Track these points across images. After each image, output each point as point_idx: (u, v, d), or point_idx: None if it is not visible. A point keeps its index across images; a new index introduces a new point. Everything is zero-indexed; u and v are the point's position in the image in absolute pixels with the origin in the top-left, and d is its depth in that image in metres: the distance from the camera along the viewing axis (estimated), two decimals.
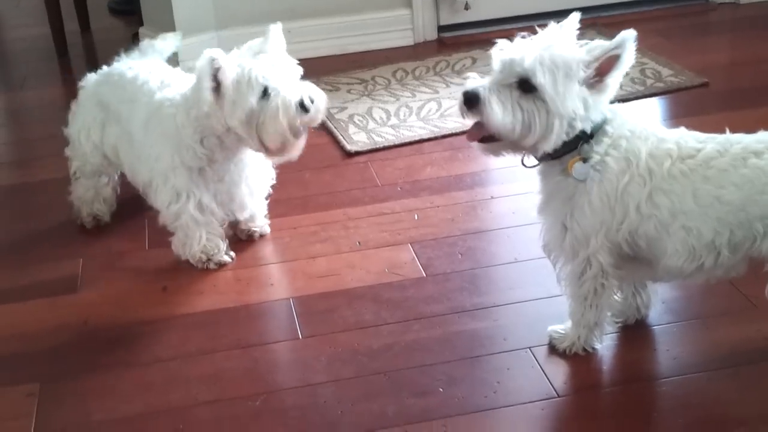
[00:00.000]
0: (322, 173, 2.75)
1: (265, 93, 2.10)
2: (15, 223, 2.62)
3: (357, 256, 2.32)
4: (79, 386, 1.92)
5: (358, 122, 3.03)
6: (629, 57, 1.66)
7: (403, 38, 3.71)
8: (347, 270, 2.26)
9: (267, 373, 1.92)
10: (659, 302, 2.04)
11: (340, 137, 2.93)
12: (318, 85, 3.31)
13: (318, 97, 2.16)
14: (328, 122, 3.03)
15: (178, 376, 1.93)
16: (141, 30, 3.71)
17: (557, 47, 1.68)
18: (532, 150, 1.75)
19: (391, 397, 1.82)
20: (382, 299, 2.14)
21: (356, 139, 2.92)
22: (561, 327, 1.92)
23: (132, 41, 3.83)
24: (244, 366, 1.95)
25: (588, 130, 1.72)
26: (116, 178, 2.54)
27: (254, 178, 2.34)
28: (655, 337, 1.94)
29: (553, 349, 1.91)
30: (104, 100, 2.42)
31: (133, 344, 2.06)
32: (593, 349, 1.88)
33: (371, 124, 3.00)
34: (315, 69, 3.47)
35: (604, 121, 1.73)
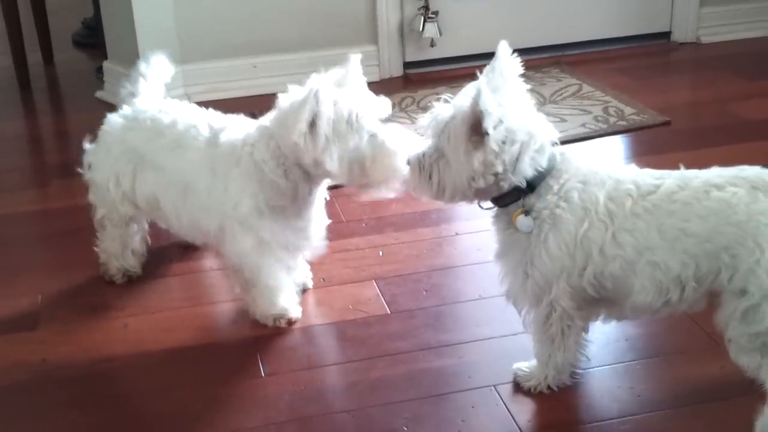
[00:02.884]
0: None
1: (366, 135, 2.02)
2: None
3: (321, 292, 2.30)
4: (36, 426, 1.88)
5: None
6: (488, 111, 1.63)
7: (369, 74, 3.63)
8: (311, 307, 2.24)
9: (229, 412, 1.89)
10: (623, 340, 2.05)
11: None
12: None
13: (412, 141, 2.04)
14: None
15: (138, 416, 1.90)
16: (105, 63, 3.69)
17: (450, 111, 1.70)
18: (470, 200, 1.78)
19: None
20: (347, 336, 2.12)
21: None
22: (526, 365, 1.91)
23: (96, 74, 3.82)
24: (206, 405, 1.91)
25: (522, 184, 1.71)
26: (146, 227, 2.40)
27: (320, 218, 2.22)
28: (618, 375, 1.94)
29: (518, 387, 1.90)
30: (136, 146, 2.24)
31: (91, 383, 2.01)
32: (558, 388, 1.88)
33: None
34: None
35: (548, 173, 1.72)
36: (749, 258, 1.62)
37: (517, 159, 1.69)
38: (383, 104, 2.05)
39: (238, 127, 2.15)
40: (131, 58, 3.43)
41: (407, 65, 3.79)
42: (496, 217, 1.81)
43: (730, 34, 3.99)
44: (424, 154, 1.76)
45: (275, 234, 2.08)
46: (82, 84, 2.62)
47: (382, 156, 2.00)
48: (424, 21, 3.69)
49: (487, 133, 1.64)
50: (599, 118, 3.21)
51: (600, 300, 1.79)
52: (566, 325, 1.80)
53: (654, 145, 3.02)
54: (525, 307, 1.84)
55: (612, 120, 3.20)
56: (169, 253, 2.51)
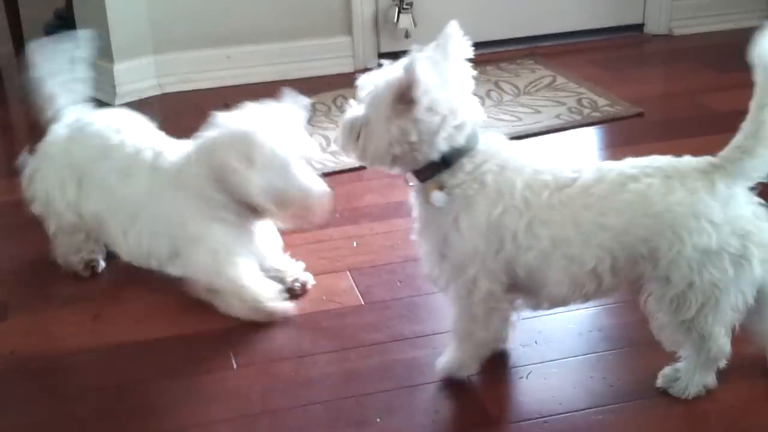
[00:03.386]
0: None
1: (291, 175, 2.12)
2: None
3: None
4: (5, 418, 1.85)
5: None
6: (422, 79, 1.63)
7: (343, 65, 3.71)
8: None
9: (201, 404, 1.88)
10: (596, 330, 2.05)
11: None
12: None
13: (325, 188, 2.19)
14: None
15: (108, 408, 1.88)
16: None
17: (382, 78, 1.70)
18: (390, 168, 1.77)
19: (328, 428, 1.79)
20: (320, 327, 2.11)
21: None
22: (445, 356, 1.89)
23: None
24: (176, 397, 1.90)
25: (435, 158, 1.71)
26: None
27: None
28: (591, 365, 1.94)
29: (445, 387, 1.87)
30: (82, 162, 2.27)
31: (61, 375, 1.99)
32: (478, 372, 1.87)
33: None
34: (255, 94, 3.44)
35: (465, 152, 1.71)
36: (670, 250, 1.64)
37: (434, 132, 1.68)
38: (313, 146, 2.17)
39: (177, 149, 2.21)
40: (104, 48, 3.40)
41: (382, 56, 3.75)
42: (417, 192, 1.80)
43: (702, 26, 4.02)
44: (356, 117, 1.76)
45: (226, 244, 2.13)
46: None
47: (300, 197, 2.11)
48: (399, 12, 3.68)
49: (415, 101, 1.63)
50: (573, 110, 3.21)
51: (515, 287, 1.78)
52: (491, 307, 1.78)
53: (627, 137, 3.03)
54: (445, 288, 1.82)
55: (586, 111, 3.21)
56: None
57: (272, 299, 2.15)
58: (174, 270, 2.20)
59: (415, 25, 3.70)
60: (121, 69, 3.45)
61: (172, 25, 3.53)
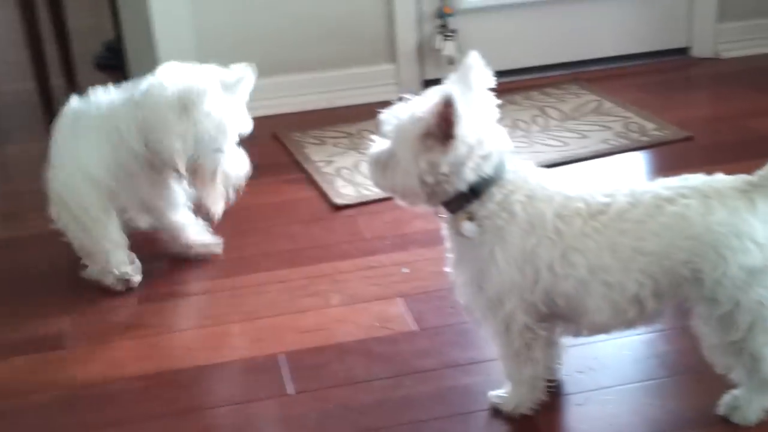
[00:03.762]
0: (310, 227, 2.74)
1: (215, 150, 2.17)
2: (1, 277, 2.59)
3: (347, 310, 2.30)
4: None
5: (345, 175, 3.04)
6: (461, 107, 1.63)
7: (388, 93, 3.73)
8: (337, 324, 2.24)
9: (258, 430, 1.89)
10: (653, 357, 2.04)
11: (328, 191, 2.93)
12: (304, 139, 3.37)
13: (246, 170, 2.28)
14: (315, 176, 3.04)
15: None
16: None
17: (409, 112, 1.70)
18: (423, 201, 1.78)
19: None
20: (373, 354, 2.12)
21: (344, 192, 2.92)
22: (501, 391, 1.89)
23: None
24: (234, 423, 1.92)
25: (463, 188, 1.71)
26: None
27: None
28: (649, 392, 1.93)
29: (498, 413, 1.87)
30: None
31: (122, 402, 2.02)
32: (537, 406, 1.86)
33: (358, 178, 3.00)
34: (301, 123, 3.52)
35: (493, 182, 1.71)
36: (714, 271, 1.63)
37: (462, 163, 1.68)
38: (246, 123, 2.19)
39: (105, 95, 2.30)
40: None
41: (426, 83, 3.80)
42: (448, 223, 1.80)
43: (750, 49, 3.99)
44: (381, 152, 1.77)
45: (120, 191, 2.25)
46: None
47: (214, 175, 2.16)
48: (443, 39, 3.70)
49: (454, 137, 1.64)
50: (620, 134, 3.21)
51: (555, 315, 1.78)
52: (530, 338, 1.78)
53: (677, 161, 3.01)
54: (482, 320, 1.82)
55: (633, 136, 3.20)
56: (194, 272, 2.53)
57: (124, 270, 2.31)
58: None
59: (459, 52, 3.72)
60: None
61: (220, 55, 3.54)
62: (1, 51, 4.91)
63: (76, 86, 4.18)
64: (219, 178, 2.14)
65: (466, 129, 1.65)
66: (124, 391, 2.06)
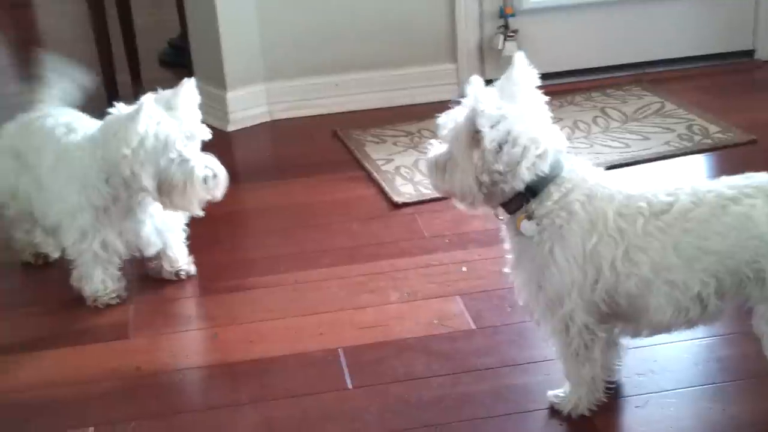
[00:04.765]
0: (370, 224, 2.76)
1: (178, 159, 2.21)
2: (68, 268, 2.65)
3: (405, 307, 2.32)
4: None
5: (404, 174, 3.05)
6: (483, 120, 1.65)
7: (448, 92, 3.73)
8: (396, 321, 2.26)
9: (317, 423, 1.92)
10: (713, 360, 2.02)
11: (387, 189, 2.95)
12: (365, 137, 3.39)
13: (221, 173, 2.28)
14: (375, 174, 3.06)
15: (230, 424, 1.94)
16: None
17: (461, 115, 1.72)
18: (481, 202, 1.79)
19: None
20: (432, 351, 2.13)
21: (403, 190, 2.93)
22: (561, 391, 1.89)
23: None
24: (294, 415, 1.95)
25: (520, 188, 1.72)
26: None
27: (160, 216, 2.39)
28: (710, 396, 1.91)
29: (557, 413, 1.87)
30: (19, 148, 2.46)
31: (184, 391, 2.07)
32: (596, 407, 1.85)
33: (418, 176, 3.01)
34: (362, 121, 3.54)
35: (551, 180, 1.72)
36: None
37: (517, 163, 1.69)
38: (204, 131, 2.25)
39: (84, 131, 2.36)
40: (217, 76, 3.53)
41: (487, 83, 3.78)
42: (507, 224, 1.81)
43: None
44: (439, 154, 1.80)
45: (96, 229, 2.29)
46: None
47: (187, 182, 2.20)
48: (504, 39, 3.70)
49: (480, 131, 1.65)
50: (683, 136, 3.17)
51: (615, 315, 1.77)
52: (589, 339, 1.77)
53: (741, 164, 2.92)
54: (541, 320, 1.82)
55: (697, 138, 3.16)
56: (255, 266, 2.57)
57: (104, 296, 2.35)
58: (57, 241, 2.44)
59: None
60: (233, 97, 3.56)
61: (283, 53, 3.62)
62: (69, 46, 5.02)
63: (140, 82, 4.27)
64: (196, 185, 2.22)
65: (517, 129, 1.67)
66: (184, 381, 2.11)
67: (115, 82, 3.98)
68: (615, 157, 3.03)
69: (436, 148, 1.82)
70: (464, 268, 2.48)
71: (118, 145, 2.17)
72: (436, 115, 1.79)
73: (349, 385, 2.02)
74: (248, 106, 3.59)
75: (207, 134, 2.27)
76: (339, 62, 3.66)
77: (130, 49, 4.27)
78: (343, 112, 3.62)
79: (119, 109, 2.27)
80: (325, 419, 1.93)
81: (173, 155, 2.20)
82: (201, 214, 2.31)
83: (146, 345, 2.23)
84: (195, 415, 1.98)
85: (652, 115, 3.39)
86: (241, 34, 3.53)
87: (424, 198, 2.87)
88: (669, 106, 3.45)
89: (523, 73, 1.76)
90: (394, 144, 3.30)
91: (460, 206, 1.84)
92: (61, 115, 2.46)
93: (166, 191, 2.22)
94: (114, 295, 2.38)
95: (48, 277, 2.57)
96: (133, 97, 4.34)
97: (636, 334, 1.83)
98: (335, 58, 3.65)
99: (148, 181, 2.20)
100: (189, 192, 2.22)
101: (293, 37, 3.61)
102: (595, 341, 1.78)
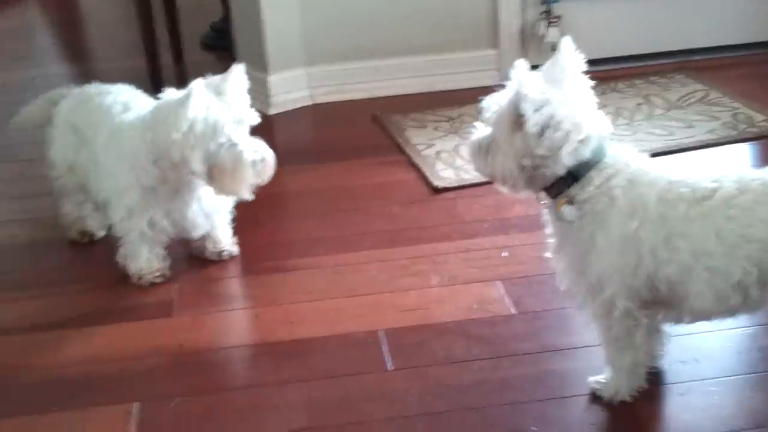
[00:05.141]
0: (410, 208, 2.77)
1: (228, 144, 2.23)
2: (114, 246, 2.69)
3: (446, 291, 2.32)
4: (175, 408, 1.95)
5: (445, 159, 3.05)
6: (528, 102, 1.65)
7: (489, 78, 3.72)
8: (436, 304, 2.27)
9: (358, 404, 1.93)
10: (756, 350, 2.00)
11: (428, 173, 2.95)
12: (405, 122, 3.39)
13: (269, 156, 2.30)
14: (415, 158, 3.06)
15: (271, 403, 1.95)
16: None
17: (505, 98, 1.72)
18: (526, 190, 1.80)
19: None
20: (472, 335, 2.13)
21: (444, 175, 2.93)
22: (601, 376, 1.88)
23: None
24: (335, 395, 1.96)
25: (561, 172, 1.72)
26: None
27: (208, 199, 2.40)
28: (754, 385, 1.89)
29: (597, 399, 1.87)
30: (77, 124, 2.50)
31: (226, 369, 2.09)
32: (637, 394, 1.85)
33: (458, 161, 3.01)
34: (402, 106, 3.54)
35: (593, 165, 1.72)
36: None
37: (559, 147, 1.69)
38: (253, 116, 2.27)
39: (138, 111, 2.38)
40: (259, 60, 3.54)
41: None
42: (549, 209, 1.81)
43: None
44: (482, 137, 1.80)
45: (143, 208, 2.32)
46: None
47: (236, 166, 2.22)
48: (547, 26, 3.67)
49: (523, 115, 1.65)
50: (728, 125, 3.14)
51: (656, 301, 1.75)
52: (631, 324, 1.76)
53: None
54: (583, 305, 1.82)
55: (741, 127, 3.12)
56: (296, 248, 2.59)
57: (149, 275, 2.39)
58: (105, 217, 2.48)
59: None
60: (275, 80, 3.58)
61: (324, 38, 3.63)
62: (112, 28, 5.08)
63: (183, 65, 4.31)
64: (245, 169, 2.24)
65: (560, 113, 1.66)
66: (227, 360, 2.13)
67: (158, 64, 4.01)
68: (658, 144, 3.01)
69: (480, 131, 1.83)
70: (505, 253, 2.48)
71: (168, 130, 2.19)
72: (479, 98, 1.79)
73: (390, 367, 2.04)
74: (290, 90, 3.61)
75: (256, 119, 2.29)
76: (379, 47, 3.66)
77: (173, 31, 4.31)
78: (383, 97, 3.62)
79: (170, 93, 2.28)
80: (366, 400, 1.94)
81: (222, 140, 2.22)
82: (250, 197, 2.32)
83: (189, 323, 2.26)
84: (236, 393, 2.00)
85: (696, 102, 3.35)
86: (283, 18, 3.55)
87: (464, 183, 2.87)
88: (714, 94, 3.41)
89: (570, 58, 1.75)
90: (435, 129, 3.30)
91: (503, 189, 1.84)
92: (120, 93, 2.49)
93: (216, 175, 2.25)
94: (158, 273, 2.41)
95: (94, 255, 2.61)
96: (175, 79, 4.41)
97: (678, 321, 1.82)
98: (376, 43, 3.65)
99: (197, 165, 2.22)
100: (238, 176, 2.24)
101: (334, 21, 3.61)
102: (637, 327, 1.77)
